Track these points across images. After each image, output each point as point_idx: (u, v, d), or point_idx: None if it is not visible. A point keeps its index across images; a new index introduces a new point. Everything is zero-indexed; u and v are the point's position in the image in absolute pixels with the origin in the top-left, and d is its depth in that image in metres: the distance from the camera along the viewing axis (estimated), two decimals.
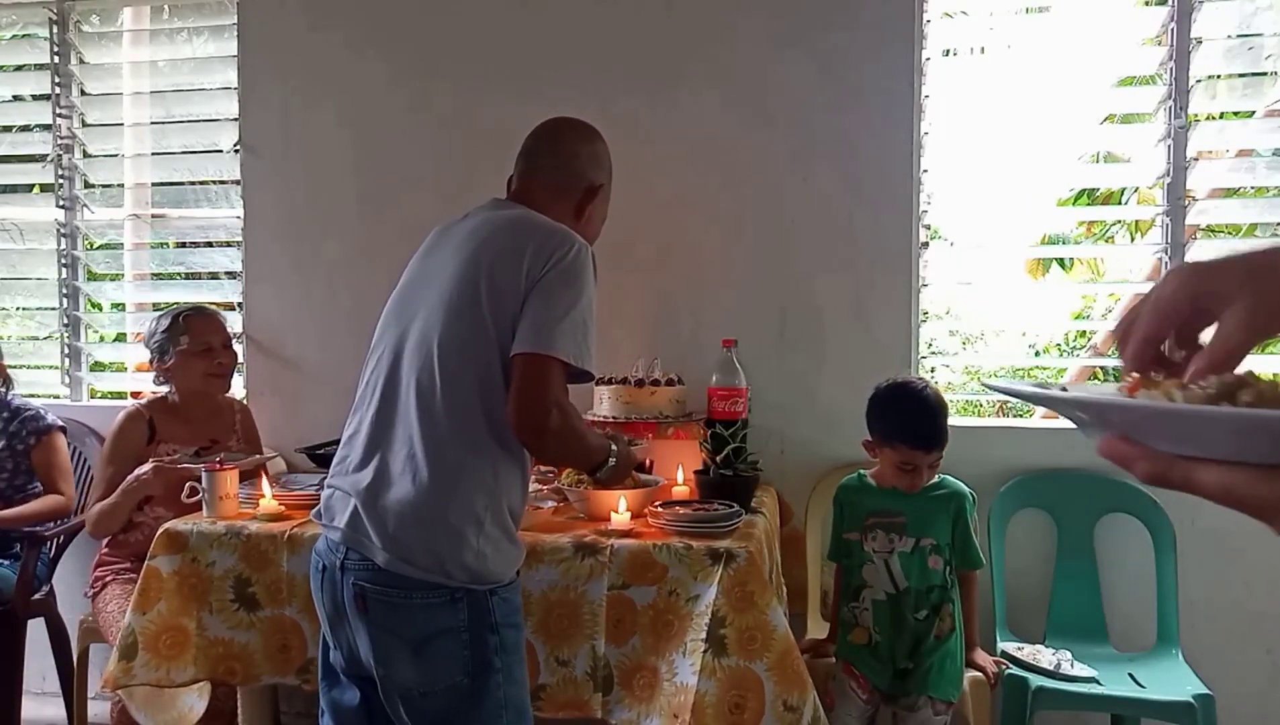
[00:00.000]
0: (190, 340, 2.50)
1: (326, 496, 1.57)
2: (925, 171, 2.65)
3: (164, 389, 2.57)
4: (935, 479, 2.11)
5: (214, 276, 3.35)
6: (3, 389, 2.74)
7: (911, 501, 2.08)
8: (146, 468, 2.34)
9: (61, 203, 3.12)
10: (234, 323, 2.97)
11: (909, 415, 2.06)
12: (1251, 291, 0.50)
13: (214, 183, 3.06)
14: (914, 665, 2.05)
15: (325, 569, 1.53)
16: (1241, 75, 2.64)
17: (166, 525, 2.01)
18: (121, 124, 3.13)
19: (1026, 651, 2.29)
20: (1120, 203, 5.82)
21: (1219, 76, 2.61)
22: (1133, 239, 6.29)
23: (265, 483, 2.16)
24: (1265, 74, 2.60)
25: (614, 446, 1.66)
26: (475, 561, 1.46)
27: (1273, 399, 0.44)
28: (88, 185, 3.16)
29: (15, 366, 2.92)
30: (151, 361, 2.55)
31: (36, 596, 2.62)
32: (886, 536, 2.08)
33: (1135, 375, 0.51)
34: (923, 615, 2.05)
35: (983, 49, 2.86)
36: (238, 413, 2.68)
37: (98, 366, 3.30)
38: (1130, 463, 0.46)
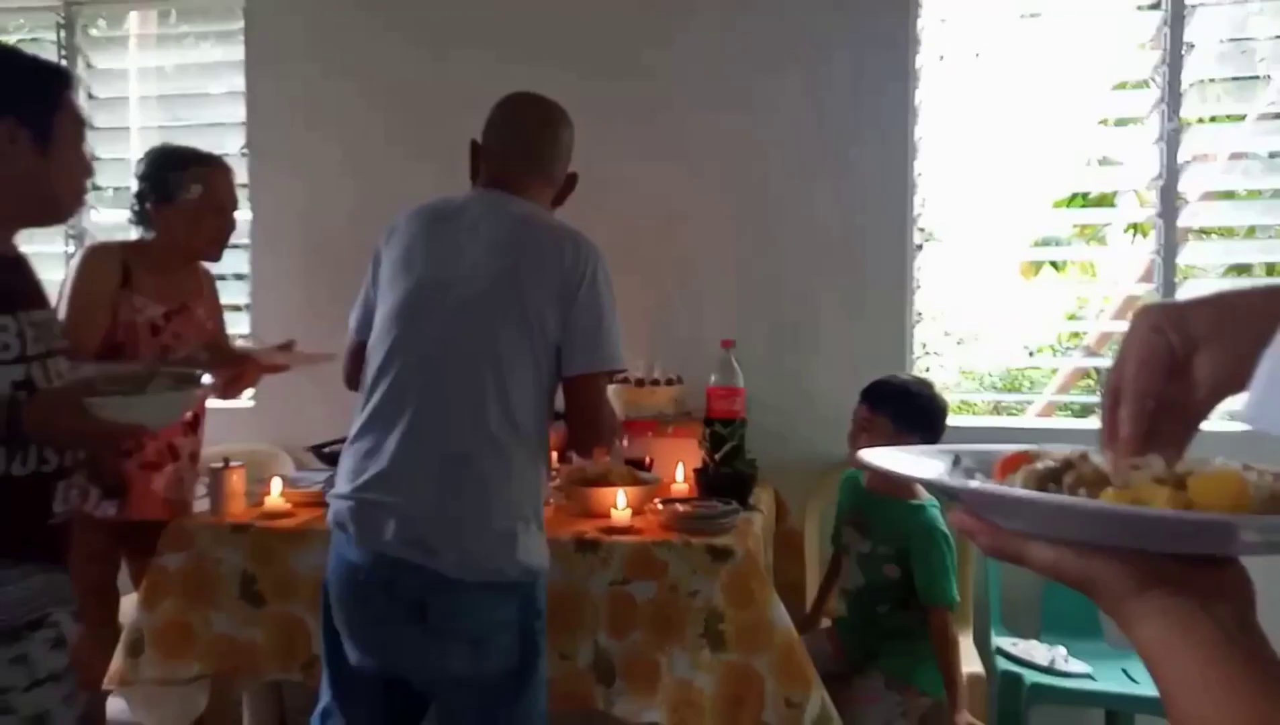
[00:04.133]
0: (206, 193, 2.15)
1: (353, 508, 1.52)
2: (920, 175, 2.68)
3: (134, 233, 2.21)
4: (921, 502, 2.07)
5: (221, 278, 3.36)
6: None
7: (881, 511, 2.09)
8: (202, 354, 1.98)
9: None
10: (241, 324, 3.01)
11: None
12: (1219, 338, 0.48)
13: None
14: (880, 647, 2.09)
15: (364, 582, 1.52)
16: (1234, 79, 2.67)
17: (172, 523, 2.03)
18: (128, 128, 3.15)
19: (1021, 647, 2.32)
20: (1113, 205, 5.83)
21: (1211, 80, 2.63)
22: (1134, 240, 6.30)
23: (275, 482, 2.13)
24: (1257, 78, 2.63)
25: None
26: (525, 557, 1.52)
27: (1093, 481, 0.47)
28: (95, 188, 3.18)
29: None
30: (144, 197, 2.16)
31: None
32: (855, 534, 2.15)
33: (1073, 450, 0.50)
34: (885, 610, 2.09)
35: (977, 54, 2.89)
36: (203, 277, 2.34)
37: None
38: (974, 535, 0.50)
